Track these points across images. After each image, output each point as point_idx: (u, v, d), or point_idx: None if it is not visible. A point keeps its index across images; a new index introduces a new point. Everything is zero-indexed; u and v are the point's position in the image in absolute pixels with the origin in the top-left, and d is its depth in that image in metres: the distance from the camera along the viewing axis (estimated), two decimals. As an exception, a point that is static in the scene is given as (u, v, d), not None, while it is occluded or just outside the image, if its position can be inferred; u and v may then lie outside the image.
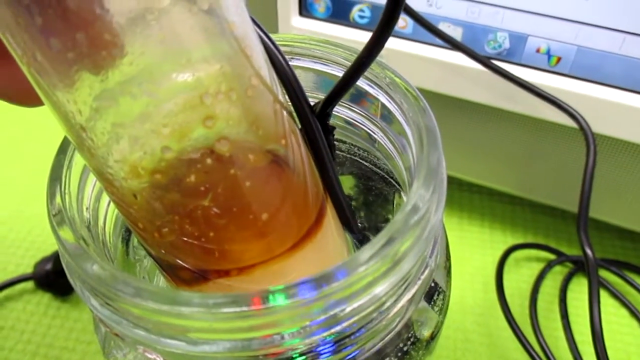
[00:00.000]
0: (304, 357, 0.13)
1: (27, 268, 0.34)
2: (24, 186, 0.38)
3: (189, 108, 0.11)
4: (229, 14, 0.12)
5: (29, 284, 0.33)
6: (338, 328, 0.12)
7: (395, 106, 0.15)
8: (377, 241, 0.12)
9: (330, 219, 0.16)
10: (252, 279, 0.14)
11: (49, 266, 0.32)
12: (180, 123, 0.12)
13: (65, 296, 0.32)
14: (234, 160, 0.12)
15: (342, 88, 0.15)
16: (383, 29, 0.13)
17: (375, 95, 0.16)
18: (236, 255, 0.14)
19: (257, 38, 0.13)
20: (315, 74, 0.18)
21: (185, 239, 0.13)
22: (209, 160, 0.12)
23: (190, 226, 0.13)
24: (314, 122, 0.16)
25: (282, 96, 0.14)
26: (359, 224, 0.20)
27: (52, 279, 0.32)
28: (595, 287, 0.23)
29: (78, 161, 0.14)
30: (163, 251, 0.14)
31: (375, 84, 0.16)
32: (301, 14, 0.31)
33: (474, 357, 0.30)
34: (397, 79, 0.15)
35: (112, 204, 0.16)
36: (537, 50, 0.27)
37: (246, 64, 0.12)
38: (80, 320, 0.32)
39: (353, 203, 0.20)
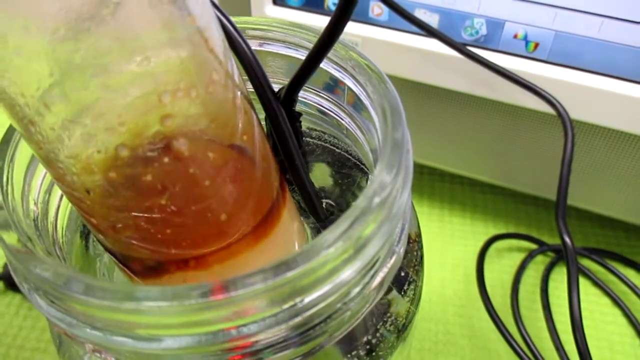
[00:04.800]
0: (269, 348, 0.13)
1: (-3, 268, 0.33)
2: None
3: (147, 106, 0.11)
4: (189, 3, 0.11)
5: (-1, 285, 0.32)
6: (302, 317, 0.12)
7: (361, 88, 0.15)
8: (340, 223, 0.12)
9: (287, 211, 0.15)
10: (210, 273, 0.13)
11: (19, 266, 0.31)
12: (136, 121, 0.11)
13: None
14: (192, 159, 0.12)
15: (305, 73, 0.15)
16: (343, 10, 0.13)
17: (342, 79, 0.16)
18: (191, 249, 0.13)
19: (219, 28, 0.13)
20: (284, 60, 0.17)
21: (140, 236, 0.13)
22: (166, 159, 0.12)
23: (146, 224, 0.12)
24: (278, 108, 0.15)
25: (244, 87, 0.14)
26: (333, 212, 0.19)
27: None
28: (574, 276, 0.23)
29: (23, 151, 0.13)
30: (118, 244, 0.13)
31: (341, 67, 0.15)
32: (275, 2, 0.30)
33: (455, 349, 0.29)
34: (361, 60, 0.15)
35: (65, 198, 0.15)
36: (515, 36, 0.27)
37: (208, 59, 0.12)
38: (53, 321, 0.31)
39: (329, 193, 0.20)
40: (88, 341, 0.12)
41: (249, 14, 0.30)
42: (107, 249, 0.14)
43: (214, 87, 0.12)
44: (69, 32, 0.10)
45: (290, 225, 0.16)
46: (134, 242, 0.13)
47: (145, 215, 0.12)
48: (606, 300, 0.32)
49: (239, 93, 0.13)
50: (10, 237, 0.12)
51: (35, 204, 0.14)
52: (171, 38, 0.11)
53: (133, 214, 0.12)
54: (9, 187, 0.13)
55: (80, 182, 0.12)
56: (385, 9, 0.28)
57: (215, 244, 0.13)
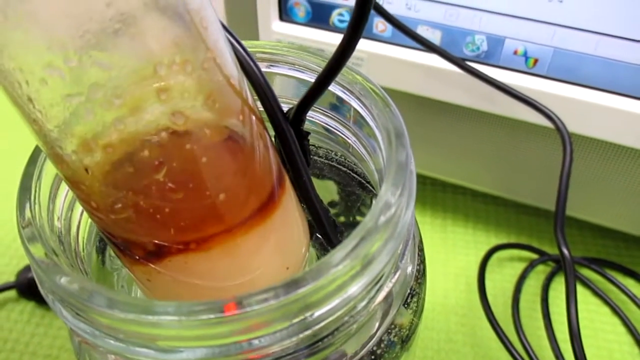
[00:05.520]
0: (280, 359, 0.13)
1: (10, 276, 0.33)
2: (6, 195, 0.38)
3: (142, 79, 0.11)
4: None
5: (12, 293, 0.33)
6: (311, 330, 0.13)
7: (366, 111, 0.15)
8: (348, 242, 0.12)
9: (289, 200, 0.15)
10: (210, 257, 0.14)
11: (31, 274, 0.32)
12: (132, 94, 0.11)
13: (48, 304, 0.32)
14: (189, 135, 0.12)
15: (314, 95, 0.15)
16: (350, 38, 0.13)
17: (348, 101, 0.16)
18: (190, 232, 0.13)
19: (213, 14, 0.13)
20: (294, 81, 0.18)
21: (139, 216, 0.13)
22: (163, 134, 0.12)
23: (145, 202, 0.13)
24: (287, 127, 0.16)
25: (241, 74, 0.14)
26: (339, 228, 0.20)
27: (35, 287, 0.32)
28: (572, 287, 0.23)
29: (49, 171, 0.14)
30: (117, 228, 0.13)
31: (348, 90, 0.16)
32: (281, 18, 0.31)
33: (457, 358, 0.30)
34: (367, 85, 0.15)
35: (85, 212, 0.16)
36: (515, 52, 0.28)
37: (202, 37, 0.12)
38: (64, 328, 0.31)
39: (335, 209, 0.21)
40: (110, 352, 0.12)
41: (256, 29, 0.31)
42: (107, 237, 0.14)
43: (209, 64, 0.12)
44: (66, 5, 0.10)
45: (290, 212, 0.16)
46: (133, 223, 0.13)
47: (144, 193, 0.12)
48: (606, 310, 0.32)
49: (237, 75, 0.14)
50: (38, 251, 0.13)
51: (59, 220, 0.14)
52: (165, 14, 0.11)
53: (131, 192, 0.12)
54: (37, 205, 0.13)
55: (79, 161, 0.12)
56: (389, 25, 0.29)
57: (214, 226, 0.14)
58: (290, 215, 0.16)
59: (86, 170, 0.12)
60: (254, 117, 0.14)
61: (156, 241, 0.13)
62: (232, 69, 0.13)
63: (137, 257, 0.14)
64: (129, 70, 0.11)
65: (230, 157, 0.13)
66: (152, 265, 0.14)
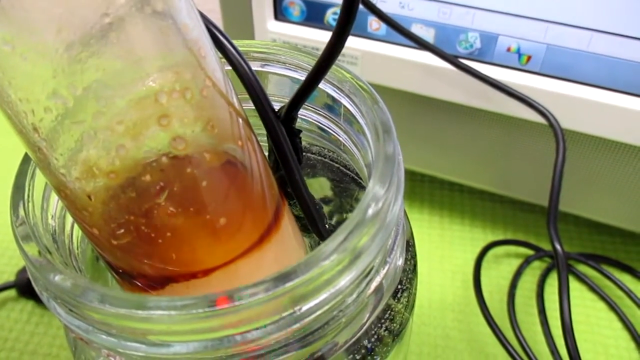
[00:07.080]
0: (271, 352, 0.14)
1: (10, 276, 0.34)
2: (6, 195, 0.38)
3: (144, 106, 0.12)
4: (182, 16, 0.12)
5: (12, 292, 0.33)
6: (301, 324, 0.13)
7: (356, 108, 0.15)
8: (337, 235, 0.12)
9: (287, 222, 0.16)
10: (211, 284, 0.14)
11: (31, 274, 0.32)
12: (134, 121, 0.12)
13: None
14: (189, 159, 0.13)
15: (304, 92, 0.15)
16: (338, 36, 0.14)
17: (339, 99, 0.16)
18: (192, 257, 0.14)
19: (210, 42, 0.13)
20: (287, 80, 0.18)
21: (141, 241, 0.13)
22: (164, 159, 0.12)
23: (147, 227, 0.13)
24: (278, 125, 0.16)
25: (237, 100, 0.15)
26: (331, 226, 0.20)
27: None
28: (564, 281, 0.23)
29: (42, 170, 0.14)
30: (119, 256, 0.14)
31: (339, 88, 0.16)
32: (276, 17, 0.31)
33: (454, 354, 0.30)
34: (356, 82, 0.16)
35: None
36: (508, 49, 0.28)
37: (200, 65, 0.13)
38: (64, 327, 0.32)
39: (329, 206, 0.21)
40: (103, 346, 0.13)
41: (251, 29, 0.31)
42: (110, 267, 0.14)
43: (208, 92, 0.13)
44: (71, 35, 0.10)
45: (289, 233, 0.16)
46: (135, 249, 0.13)
47: (146, 217, 0.13)
48: (602, 305, 0.33)
49: (233, 102, 0.14)
50: (32, 249, 0.13)
51: (53, 218, 0.15)
52: (166, 44, 0.12)
53: (133, 217, 0.13)
54: (30, 204, 0.14)
55: (82, 188, 0.12)
56: (383, 24, 0.29)
57: (216, 250, 0.14)
58: (289, 235, 0.16)
59: (89, 197, 0.12)
60: (251, 141, 0.15)
61: (159, 267, 0.14)
62: (229, 96, 0.14)
63: (140, 285, 0.14)
64: (130, 97, 0.11)
65: (229, 181, 0.14)
66: (155, 292, 0.14)
